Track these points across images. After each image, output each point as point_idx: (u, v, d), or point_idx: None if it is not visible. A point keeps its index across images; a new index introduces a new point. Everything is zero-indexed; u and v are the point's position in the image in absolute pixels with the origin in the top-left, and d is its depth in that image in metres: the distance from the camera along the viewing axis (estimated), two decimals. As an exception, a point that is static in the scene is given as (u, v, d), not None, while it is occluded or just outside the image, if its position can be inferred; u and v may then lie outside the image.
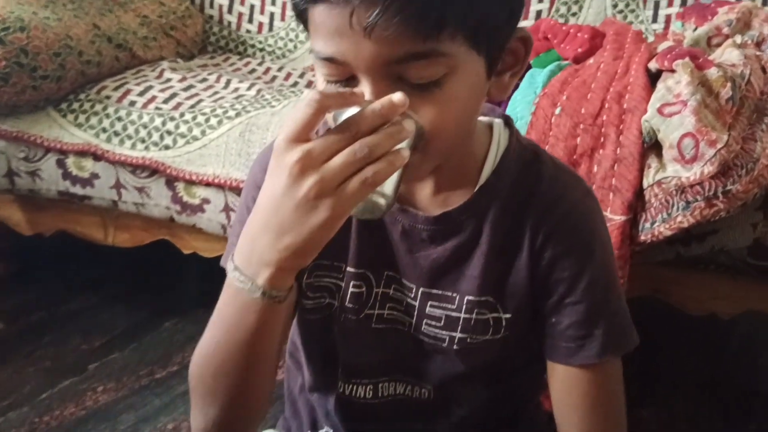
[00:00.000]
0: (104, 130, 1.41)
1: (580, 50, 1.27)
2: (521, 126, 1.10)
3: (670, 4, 1.64)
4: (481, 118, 0.73)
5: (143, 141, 1.39)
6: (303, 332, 0.78)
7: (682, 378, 1.41)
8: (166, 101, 1.42)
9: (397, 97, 0.54)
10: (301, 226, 0.54)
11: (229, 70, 1.72)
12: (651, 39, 1.48)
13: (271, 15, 1.91)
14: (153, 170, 1.38)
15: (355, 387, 0.76)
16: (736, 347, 1.49)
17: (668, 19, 1.64)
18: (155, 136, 1.38)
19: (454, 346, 0.72)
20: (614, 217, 1.03)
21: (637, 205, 1.04)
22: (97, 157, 1.40)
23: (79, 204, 1.47)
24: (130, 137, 1.39)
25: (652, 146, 1.05)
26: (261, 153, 0.77)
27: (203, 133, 1.37)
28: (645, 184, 1.03)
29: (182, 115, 1.39)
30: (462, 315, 0.71)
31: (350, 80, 0.59)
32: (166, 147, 1.37)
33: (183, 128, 1.38)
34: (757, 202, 1.06)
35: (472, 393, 0.77)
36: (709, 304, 1.22)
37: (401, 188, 0.58)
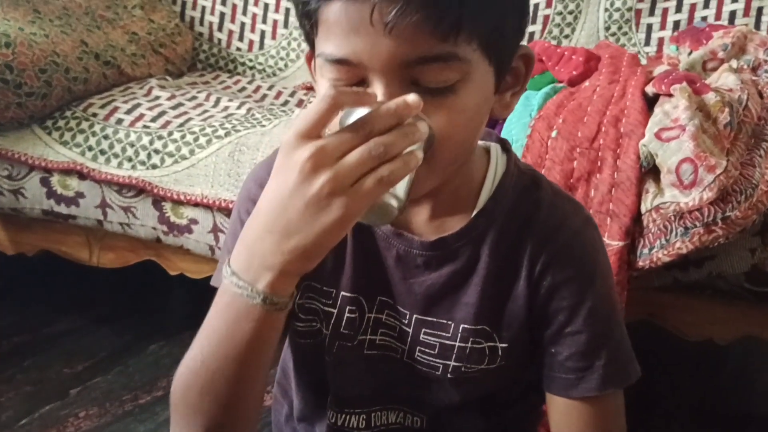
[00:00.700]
0: (90, 148, 1.38)
1: (575, 73, 1.26)
2: (517, 149, 1.09)
3: (662, 27, 1.65)
4: (479, 143, 0.72)
5: (130, 160, 1.36)
6: (295, 357, 0.76)
7: (679, 403, 1.39)
8: (154, 119, 1.40)
9: (412, 98, 0.53)
10: (311, 225, 0.52)
11: (219, 88, 1.70)
12: (644, 62, 1.48)
13: (262, 33, 1.90)
14: (140, 190, 1.36)
15: (347, 417, 0.74)
16: (732, 372, 1.47)
17: (661, 42, 1.64)
18: (142, 155, 1.36)
19: (448, 375, 0.70)
20: (612, 243, 1.01)
21: (634, 230, 1.03)
22: (83, 175, 1.38)
23: (64, 223, 1.45)
24: (116, 156, 1.37)
25: (649, 171, 1.03)
26: (254, 168, 0.76)
27: (192, 152, 1.34)
28: (643, 209, 1.02)
29: (170, 133, 1.37)
30: (457, 343, 0.69)
31: (359, 84, 0.58)
32: (154, 166, 1.35)
33: (171, 147, 1.35)
34: (754, 228, 1.05)
35: (467, 423, 0.75)
36: (705, 329, 1.20)
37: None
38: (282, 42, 1.89)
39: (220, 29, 1.93)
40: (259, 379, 0.63)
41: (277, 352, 0.75)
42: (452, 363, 0.70)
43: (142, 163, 1.35)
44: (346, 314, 0.70)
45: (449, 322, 0.69)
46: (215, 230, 1.33)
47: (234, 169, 1.31)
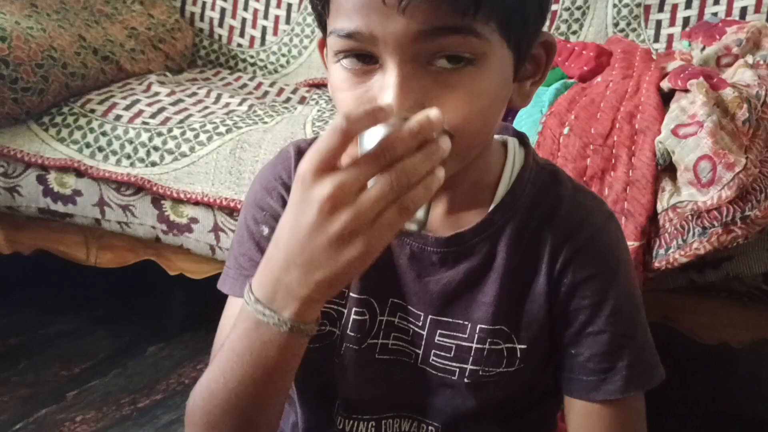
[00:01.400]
0: (88, 145, 1.35)
1: (585, 68, 1.23)
2: (528, 146, 1.06)
3: (672, 23, 1.62)
4: (495, 137, 0.69)
5: (129, 157, 1.33)
6: (302, 362, 0.73)
7: (692, 407, 1.37)
8: (153, 116, 1.37)
9: (434, 113, 0.50)
10: (335, 261, 0.51)
11: (219, 85, 1.67)
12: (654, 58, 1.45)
13: (264, 29, 1.87)
14: (138, 188, 1.33)
15: (356, 423, 0.71)
16: (746, 376, 1.44)
17: (670, 39, 1.61)
18: (141, 152, 1.33)
19: (465, 380, 0.67)
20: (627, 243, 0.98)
21: (650, 230, 0.99)
22: (80, 173, 1.35)
23: (61, 222, 1.42)
24: (114, 153, 1.34)
25: (665, 168, 1.00)
26: (261, 172, 0.73)
27: (192, 149, 1.31)
28: (659, 208, 0.99)
29: (170, 130, 1.33)
30: (474, 345, 0.67)
31: (371, 62, 0.56)
32: (153, 163, 1.32)
33: (171, 144, 1.32)
34: (773, 228, 1.02)
35: (482, 431, 0.72)
36: (721, 332, 1.17)
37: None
38: (284, 38, 1.86)
39: (220, 25, 1.90)
40: (282, 396, 0.63)
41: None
42: (469, 366, 0.67)
43: (141, 160, 1.32)
44: (354, 316, 0.68)
45: (466, 323, 0.67)
46: (216, 229, 1.30)
47: (235, 166, 1.28)
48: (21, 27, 1.38)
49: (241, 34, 1.89)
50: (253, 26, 1.87)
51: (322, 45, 0.63)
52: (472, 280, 0.66)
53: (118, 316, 1.62)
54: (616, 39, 1.39)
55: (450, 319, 0.67)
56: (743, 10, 1.55)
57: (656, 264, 0.99)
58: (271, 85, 1.73)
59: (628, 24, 1.64)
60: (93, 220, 1.38)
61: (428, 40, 0.54)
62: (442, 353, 0.68)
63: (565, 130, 1.06)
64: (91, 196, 1.36)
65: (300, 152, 0.70)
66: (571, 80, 1.22)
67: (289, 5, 1.84)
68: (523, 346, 0.67)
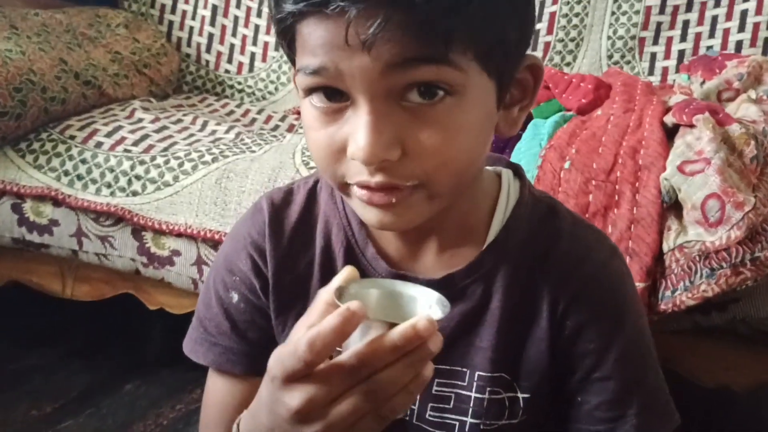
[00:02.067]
0: (66, 173, 1.29)
1: (584, 101, 1.20)
2: (527, 180, 1.02)
3: (667, 56, 1.60)
4: (488, 168, 0.66)
5: (109, 186, 1.27)
6: None
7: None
8: (136, 143, 1.32)
9: (422, 324, 0.46)
10: None
11: (205, 112, 1.62)
12: (651, 91, 1.43)
13: (252, 55, 1.83)
14: (118, 218, 1.27)
15: None
16: (749, 422, 1.40)
17: (665, 72, 1.59)
18: (122, 181, 1.27)
19: None
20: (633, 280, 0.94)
21: (656, 270, 0.95)
22: (58, 202, 1.29)
23: (36, 253, 1.35)
24: (94, 181, 1.28)
25: (671, 206, 0.96)
26: (235, 225, 0.70)
27: (176, 178, 1.26)
28: (665, 248, 0.95)
29: (153, 158, 1.28)
30: (473, 394, 0.62)
31: (342, 103, 0.52)
32: (134, 193, 1.26)
33: (154, 173, 1.27)
34: (781, 269, 0.98)
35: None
36: (723, 376, 1.13)
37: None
38: (273, 65, 1.82)
39: (208, 50, 1.86)
40: None
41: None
42: (469, 420, 0.63)
43: (122, 189, 1.27)
44: None
45: (464, 369, 0.63)
46: (199, 262, 1.24)
47: (221, 197, 1.22)
48: (-1, 49, 1.33)
49: (229, 60, 1.85)
50: (242, 52, 1.84)
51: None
52: (468, 324, 0.63)
53: (93, 350, 1.54)
54: (615, 71, 1.37)
55: (447, 367, 0.63)
56: (738, 44, 1.54)
57: (662, 306, 0.95)
58: (259, 112, 1.68)
59: (623, 56, 1.62)
60: (70, 251, 1.32)
61: (398, 73, 0.50)
62: (440, 405, 0.63)
63: (566, 165, 1.02)
64: (68, 226, 1.30)
65: (273, 205, 0.67)
66: (570, 113, 1.19)
67: (279, 32, 1.80)
68: (525, 395, 0.63)
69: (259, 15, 1.83)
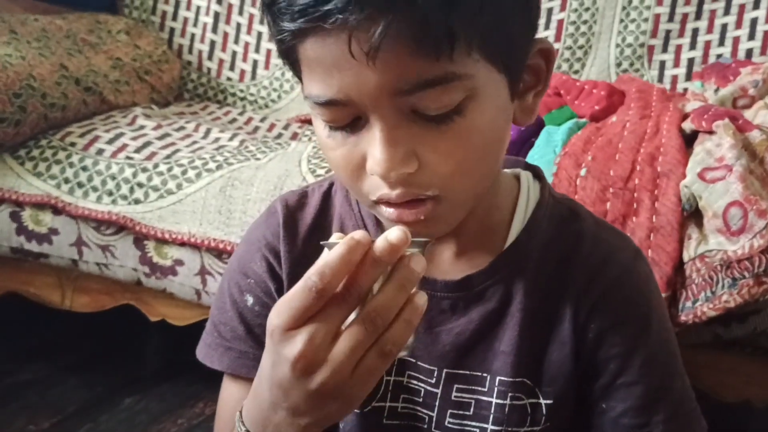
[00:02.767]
0: (67, 180, 1.27)
1: (597, 108, 1.18)
2: (542, 188, 0.99)
3: (676, 64, 1.58)
4: (506, 171, 0.65)
5: (110, 194, 1.25)
6: None
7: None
8: (138, 150, 1.29)
9: (394, 235, 0.46)
10: (320, 410, 0.49)
11: (208, 119, 1.60)
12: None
13: (255, 63, 1.81)
14: (120, 227, 1.24)
15: None
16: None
17: (675, 80, 1.57)
18: (124, 189, 1.24)
19: None
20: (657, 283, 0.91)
21: (676, 280, 0.93)
22: (57, 210, 1.26)
23: (34, 262, 1.32)
24: (95, 189, 1.25)
25: (691, 214, 0.94)
26: (250, 228, 0.69)
27: (179, 186, 1.23)
28: (686, 257, 0.92)
29: (156, 166, 1.25)
30: (494, 400, 0.61)
31: (356, 121, 0.52)
32: (136, 201, 1.24)
33: (156, 180, 1.24)
34: (804, 280, 0.96)
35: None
36: (743, 391, 1.10)
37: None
38: (275, 72, 1.80)
39: (210, 58, 1.83)
40: None
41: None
42: (490, 426, 0.61)
43: (124, 197, 1.24)
44: None
45: (485, 374, 0.62)
46: (203, 272, 1.21)
47: (225, 205, 1.20)
48: (-2, 54, 1.30)
49: (231, 68, 1.83)
50: (244, 60, 1.82)
51: None
52: (488, 327, 0.61)
53: (91, 363, 1.51)
54: (628, 78, 1.35)
55: (467, 372, 0.62)
56: (749, 52, 1.52)
57: (683, 318, 0.92)
58: (262, 120, 1.66)
59: (631, 64, 1.61)
60: (69, 260, 1.29)
61: (407, 96, 0.49)
62: (460, 412, 0.62)
63: (582, 172, 0.99)
64: (68, 235, 1.27)
65: (288, 207, 0.66)
66: (584, 120, 1.16)
67: (282, 39, 1.78)
68: (548, 402, 0.61)
69: (261, 22, 1.80)
